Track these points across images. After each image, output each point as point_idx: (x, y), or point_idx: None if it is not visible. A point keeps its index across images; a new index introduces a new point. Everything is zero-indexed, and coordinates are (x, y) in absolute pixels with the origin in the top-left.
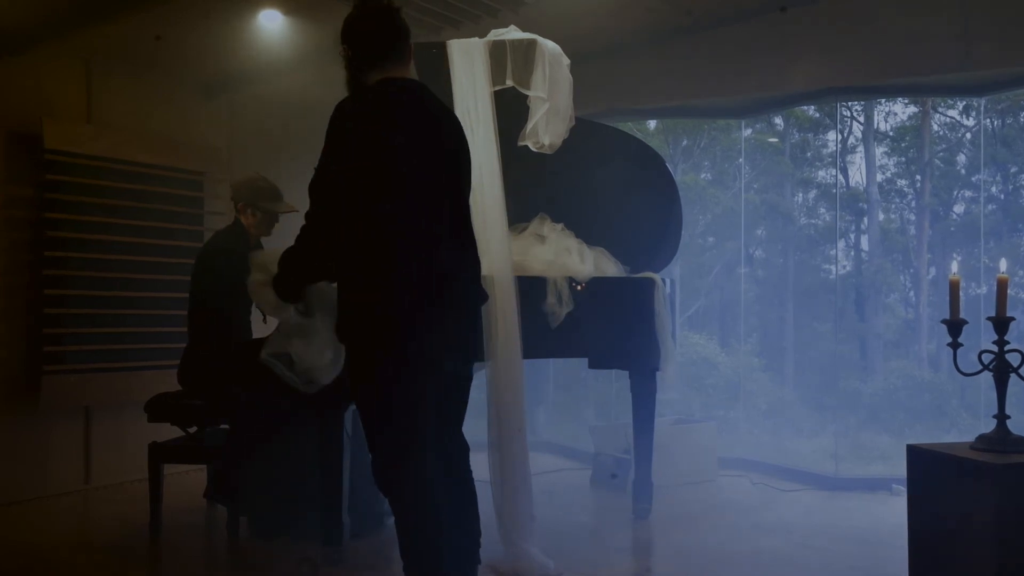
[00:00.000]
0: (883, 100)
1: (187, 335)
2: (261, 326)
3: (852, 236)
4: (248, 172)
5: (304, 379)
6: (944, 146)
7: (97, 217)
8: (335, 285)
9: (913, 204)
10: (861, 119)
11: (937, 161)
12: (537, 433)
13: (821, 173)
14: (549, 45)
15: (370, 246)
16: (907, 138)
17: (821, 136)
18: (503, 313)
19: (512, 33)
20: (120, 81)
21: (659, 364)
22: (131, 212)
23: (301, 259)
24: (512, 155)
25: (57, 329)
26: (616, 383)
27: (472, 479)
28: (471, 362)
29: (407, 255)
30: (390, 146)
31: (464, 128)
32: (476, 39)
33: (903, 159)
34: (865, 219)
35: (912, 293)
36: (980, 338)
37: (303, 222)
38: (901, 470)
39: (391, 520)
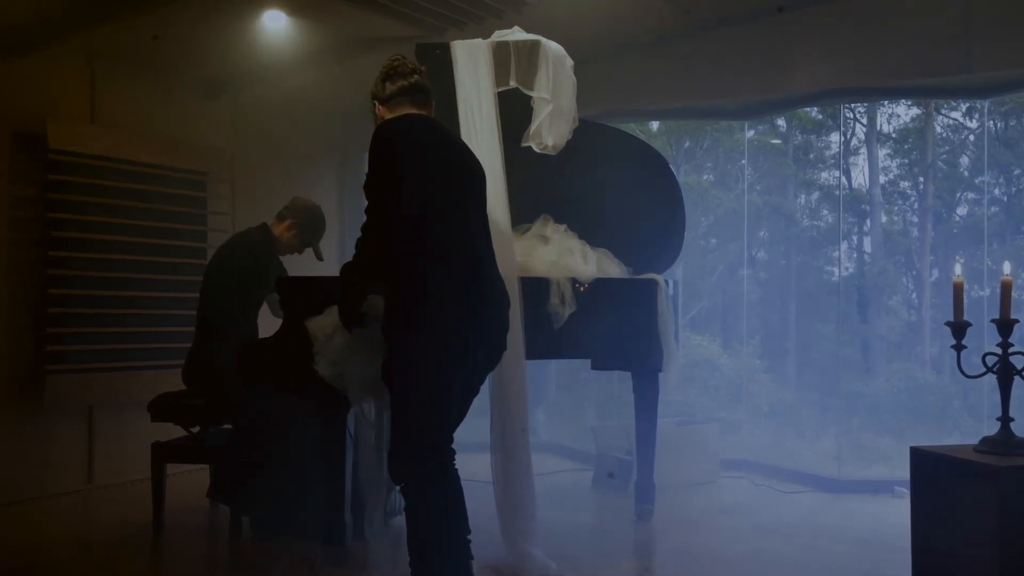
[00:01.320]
0: (886, 102)
1: (194, 332)
2: (265, 327)
3: (855, 238)
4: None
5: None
6: (947, 148)
7: (100, 217)
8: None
9: (916, 206)
10: (864, 121)
11: (940, 163)
12: (538, 434)
13: (824, 175)
14: (553, 46)
15: (407, 254)
16: (910, 140)
17: (824, 138)
18: None
19: (516, 34)
20: (123, 81)
21: (661, 365)
22: (134, 212)
23: (361, 263)
24: (515, 156)
25: (60, 329)
26: (617, 384)
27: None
28: (496, 363)
29: (441, 263)
30: (426, 164)
31: (467, 128)
32: (480, 40)
33: (906, 161)
34: (868, 221)
35: (915, 295)
36: (983, 340)
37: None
38: (903, 472)
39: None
